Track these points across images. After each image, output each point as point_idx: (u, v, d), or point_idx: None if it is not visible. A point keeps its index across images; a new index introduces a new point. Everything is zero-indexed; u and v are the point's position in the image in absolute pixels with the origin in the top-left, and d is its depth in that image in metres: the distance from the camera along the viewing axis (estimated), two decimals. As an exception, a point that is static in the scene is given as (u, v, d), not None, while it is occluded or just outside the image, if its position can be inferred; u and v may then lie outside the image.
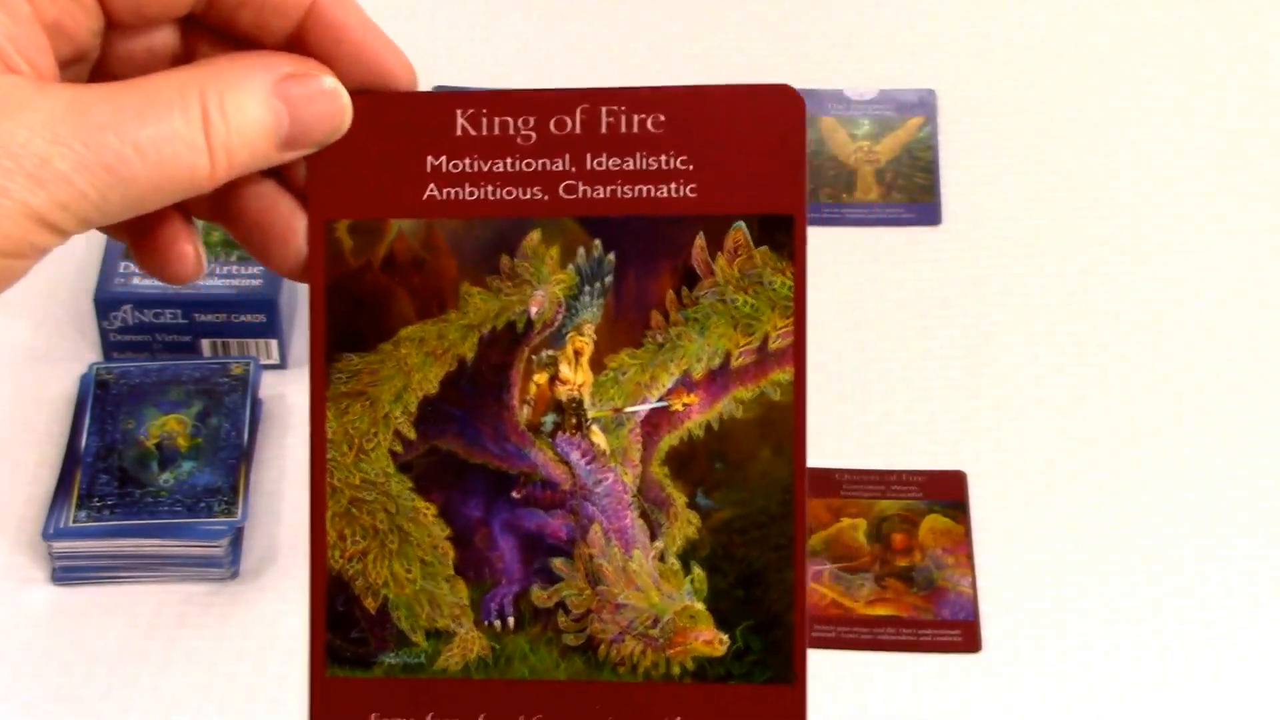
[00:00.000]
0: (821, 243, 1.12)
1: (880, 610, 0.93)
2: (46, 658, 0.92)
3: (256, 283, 1.03)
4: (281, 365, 1.05)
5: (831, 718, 0.90)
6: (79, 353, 1.05)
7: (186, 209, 0.47)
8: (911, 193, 1.14)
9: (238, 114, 0.44)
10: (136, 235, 0.47)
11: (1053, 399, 1.03)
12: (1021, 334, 1.06)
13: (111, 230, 0.47)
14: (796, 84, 1.29)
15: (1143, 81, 1.21)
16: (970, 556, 0.95)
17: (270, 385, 1.03)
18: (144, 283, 1.03)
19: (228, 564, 0.95)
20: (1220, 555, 0.95)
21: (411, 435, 0.49)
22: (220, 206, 0.48)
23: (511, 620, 0.49)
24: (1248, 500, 0.98)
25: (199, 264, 0.47)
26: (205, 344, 1.04)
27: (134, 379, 1.01)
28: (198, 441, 0.98)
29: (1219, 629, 0.92)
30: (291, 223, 0.48)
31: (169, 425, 0.99)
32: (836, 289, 1.09)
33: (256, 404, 1.01)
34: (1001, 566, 0.95)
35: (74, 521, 0.94)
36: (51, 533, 0.94)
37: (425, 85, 1.28)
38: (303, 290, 1.14)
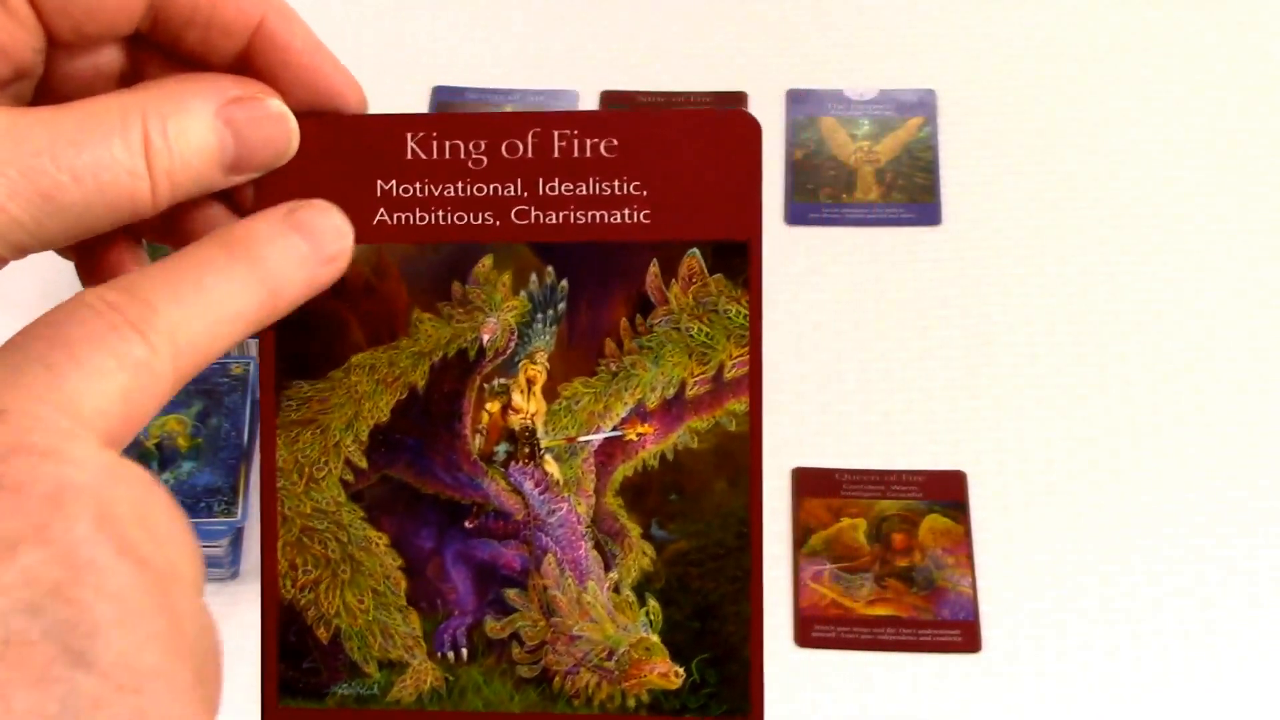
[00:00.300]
0: (821, 243, 1.12)
1: (880, 610, 0.93)
2: (46, 658, 0.92)
3: (256, 283, 1.03)
4: (281, 365, 1.05)
5: (831, 718, 0.90)
6: (79, 353, 1.05)
7: (134, 230, 0.47)
8: (911, 193, 1.14)
9: (180, 139, 0.43)
10: (82, 257, 0.47)
11: (1053, 399, 1.03)
12: (1021, 334, 1.06)
13: (59, 250, 0.46)
14: (796, 84, 1.29)
15: (1143, 81, 1.21)
16: (970, 556, 0.95)
17: (270, 385, 1.03)
18: (144, 283, 1.03)
19: (228, 564, 0.95)
20: (1220, 555, 0.95)
21: (363, 464, 0.48)
22: (167, 228, 0.47)
23: (465, 651, 0.48)
24: (1248, 500, 0.98)
25: None
26: (205, 344, 1.04)
27: (134, 379, 1.01)
28: (198, 441, 0.98)
29: (1219, 628, 0.92)
30: None
31: (169, 425, 0.99)
32: (836, 289, 1.09)
33: (256, 404, 1.01)
34: (1001, 566, 0.95)
35: (74, 521, 0.94)
36: (51, 533, 0.94)
37: (425, 85, 1.27)
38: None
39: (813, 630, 0.92)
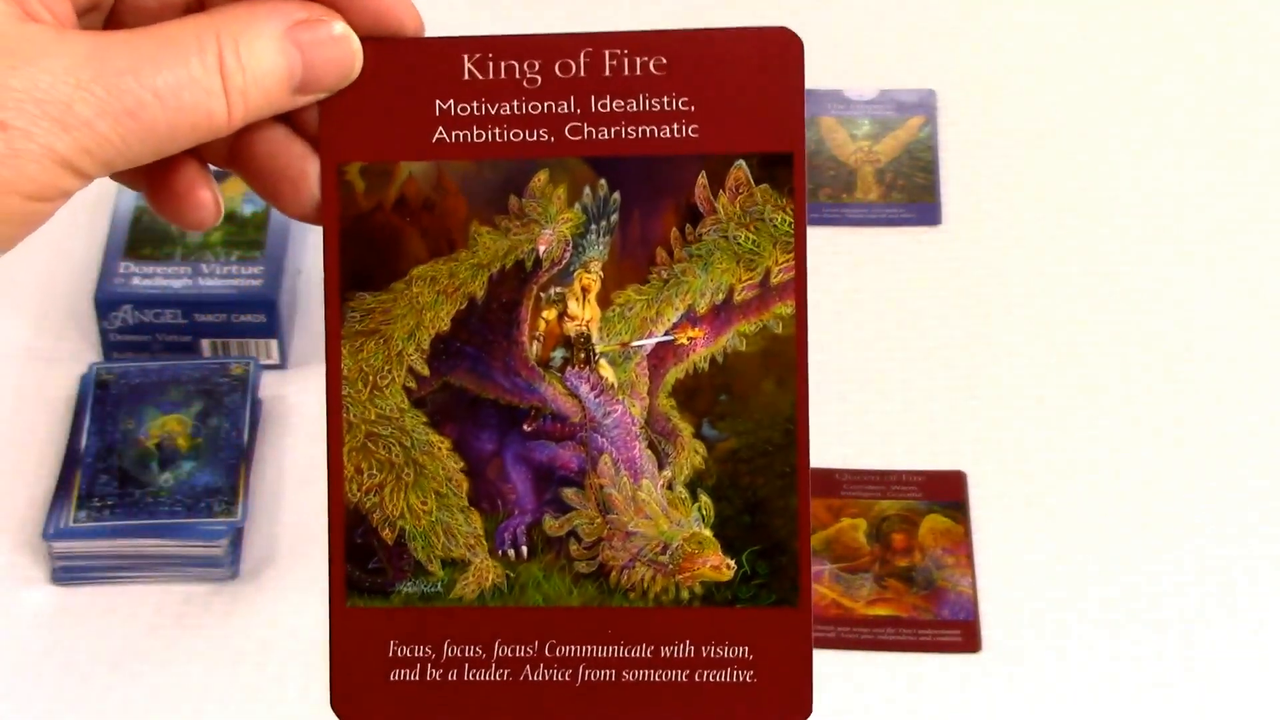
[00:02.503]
0: (821, 243, 1.12)
1: (880, 610, 0.93)
2: (46, 658, 0.92)
3: (256, 283, 1.03)
4: (281, 365, 1.05)
5: (832, 718, 0.90)
6: (79, 353, 1.05)
7: (201, 156, 0.48)
8: (911, 193, 1.14)
9: (252, 60, 0.45)
10: (154, 183, 0.48)
11: (1053, 399, 1.03)
12: (1021, 334, 1.06)
13: (129, 179, 0.48)
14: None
15: (1143, 81, 1.21)
16: (970, 556, 0.95)
17: (270, 385, 1.03)
18: (144, 283, 1.03)
19: (228, 564, 0.95)
20: (1220, 554, 0.95)
21: (425, 371, 0.50)
22: (234, 153, 0.48)
23: (525, 549, 0.50)
24: (1248, 500, 0.98)
25: (218, 209, 0.49)
26: (205, 344, 1.04)
27: (134, 379, 1.01)
28: (198, 441, 0.98)
29: (1219, 628, 0.92)
30: (304, 167, 0.49)
31: (169, 425, 0.99)
32: (836, 289, 1.09)
33: (256, 404, 1.01)
34: (1001, 566, 0.95)
35: (74, 521, 0.94)
36: (51, 533, 0.94)
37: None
38: (303, 291, 1.14)
39: (813, 630, 0.92)
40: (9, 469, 1.00)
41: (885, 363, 1.05)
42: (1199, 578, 0.94)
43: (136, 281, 1.03)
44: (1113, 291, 1.08)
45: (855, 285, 1.09)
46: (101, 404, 1.00)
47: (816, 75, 1.24)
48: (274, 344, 1.04)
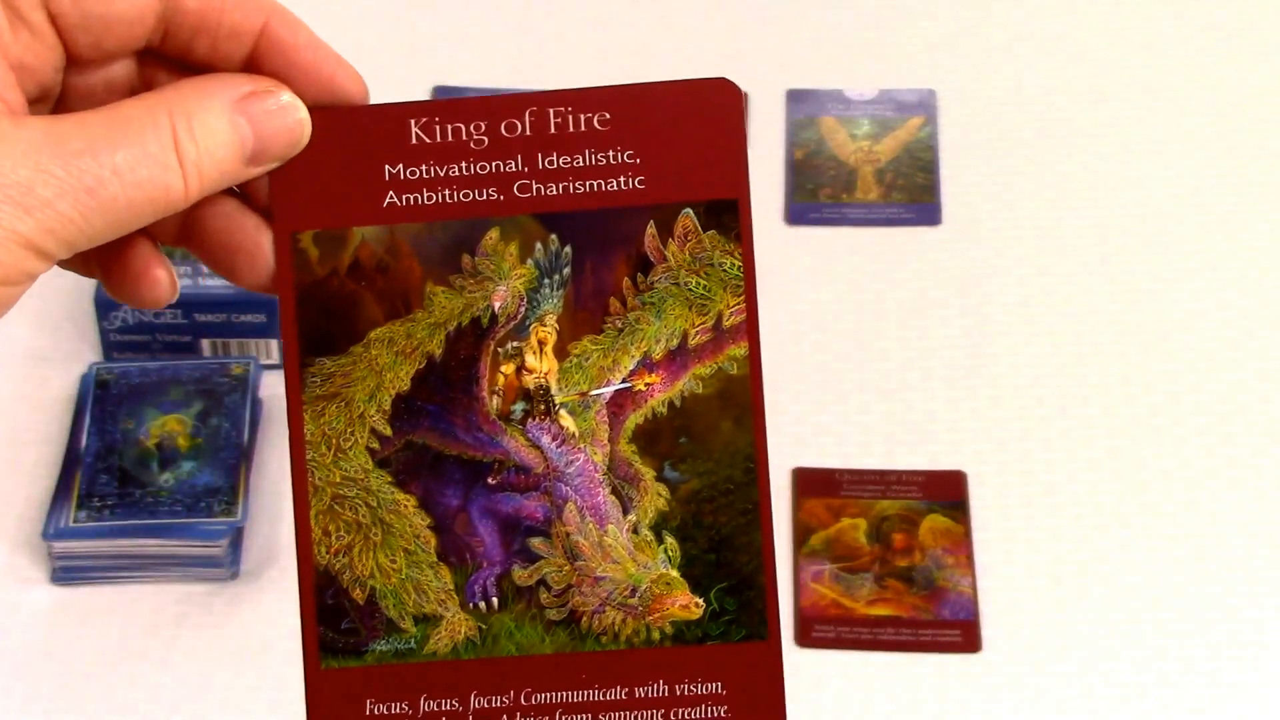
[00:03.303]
0: (821, 243, 1.12)
1: (880, 610, 0.93)
2: (46, 658, 0.92)
3: (256, 283, 1.03)
4: (281, 365, 1.05)
5: (831, 718, 0.90)
6: (79, 353, 1.05)
7: (153, 236, 0.49)
8: (911, 193, 1.14)
9: (204, 133, 0.45)
10: (108, 267, 0.49)
11: (1053, 399, 1.03)
12: (1021, 334, 1.06)
13: (83, 266, 0.49)
14: (796, 84, 1.29)
15: (1143, 81, 1.21)
16: (970, 556, 0.95)
17: (270, 385, 1.03)
18: (144, 283, 1.03)
19: (228, 564, 0.95)
20: (1220, 555, 0.95)
21: (387, 432, 0.51)
22: (187, 230, 0.49)
23: (495, 600, 0.51)
24: (1248, 500, 0.98)
25: (173, 286, 0.49)
26: (205, 344, 1.04)
27: (134, 379, 1.01)
28: (198, 441, 0.98)
29: (1219, 629, 0.92)
30: (257, 238, 0.49)
31: (169, 425, 0.99)
32: (836, 289, 1.09)
33: (256, 404, 1.01)
34: (1001, 566, 0.95)
35: (74, 521, 0.94)
36: (51, 533, 0.94)
37: (425, 85, 1.27)
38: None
39: (813, 630, 0.92)
40: (9, 469, 1.00)
41: (885, 363, 1.05)
42: (1199, 577, 0.94)
43: (136, 281, 1.03)
44: (1113, 291, 1.08)
45: (855, 285, 1.09)
46: (101, 404, 1.00)
47: (816, 75, 1.24)
48: (274, 344, 1.04)
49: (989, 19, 1.25)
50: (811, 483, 0.99)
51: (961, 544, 0.96)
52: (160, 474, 0.97)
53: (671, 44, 1.24)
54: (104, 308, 1.03)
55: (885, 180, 1.15)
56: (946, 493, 0.98)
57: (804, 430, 1.02)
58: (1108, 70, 1.22)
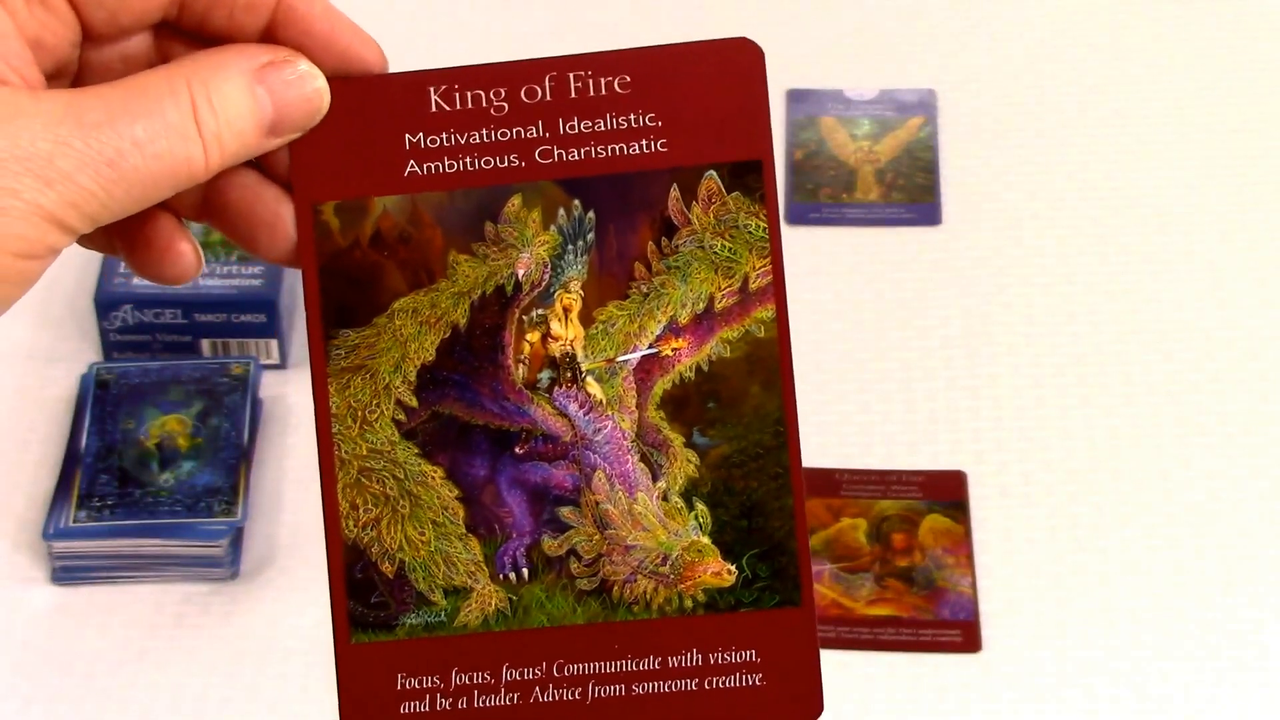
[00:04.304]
0: (821, 243, 1.12)
1: (880, 610, 0.93)
2: (46, 658, 0.92)
3: (257, 283, 1.03)
4: (281, 365, 1.05)
5: (831, 718, 0.90)
6: (79, 353, 1.05)
7: (175, 210, 0.48)
8: (911, 193, 1.14)
9: (224, 104, 0.45)
10: (131, 242, 0.48)
11: (1053, 399, 1.03)
12: (1021, 334, 1.06)
13: (104, 243, 0.48)
14: (796, 84, 1.29)
15: (1142, 81, 1.21)
16: (970, 556, 0.95)
17: (270, 385, 1.03)
18: (144, 283, 1.03)
19: (228, 564, 0.95)
20: (1220, 555, 0.95)
21: (413, 403, 0.50)
22: (208, 203, 0.49)
23: (525, 571, 0.50)
24: (1248, 500, 0.98)
25: (198, 260, 0.49)
26: (205, 344, 1.04)
27: (134, 379, 1.01)
28: (198, 441, 0.98)
29: (1219, 628, 0.92)
30: (277, 210, 0.49)
31: (169, 425, 0.99)
32: (836, 289, 1.09)
33: (256, 404, 1.01)
34: (1001, 566, 0.95)
35: (74, 521, 0.94)
36: (51, 533, 0.94)
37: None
38: (302, 289, 1.13)
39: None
40: (9, 469, 1.00)
41: (885, 362, 1.05)
42: (1199, 577, 0.94)
43: (136, 281, 1.03)
44: (1113, 291, 1.08)
45: (855, 285, 1.09)
46: (101, 404, 1.00)
47: (816, 75, 1.24)
48: (274, 344, 1.04)
49: (989, 19, 1.25)
50: (811, 483, 0.99)
51: (961, 544, 0.96)
52: (160, 474, 0.97)
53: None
54: (104, 308, 1.03)
55: (885, 180, 1.15)
56: (946, 493, 0.98)
57: (804, 430, 1.00)
58: (1108, 70, 1.22)
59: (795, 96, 1.20)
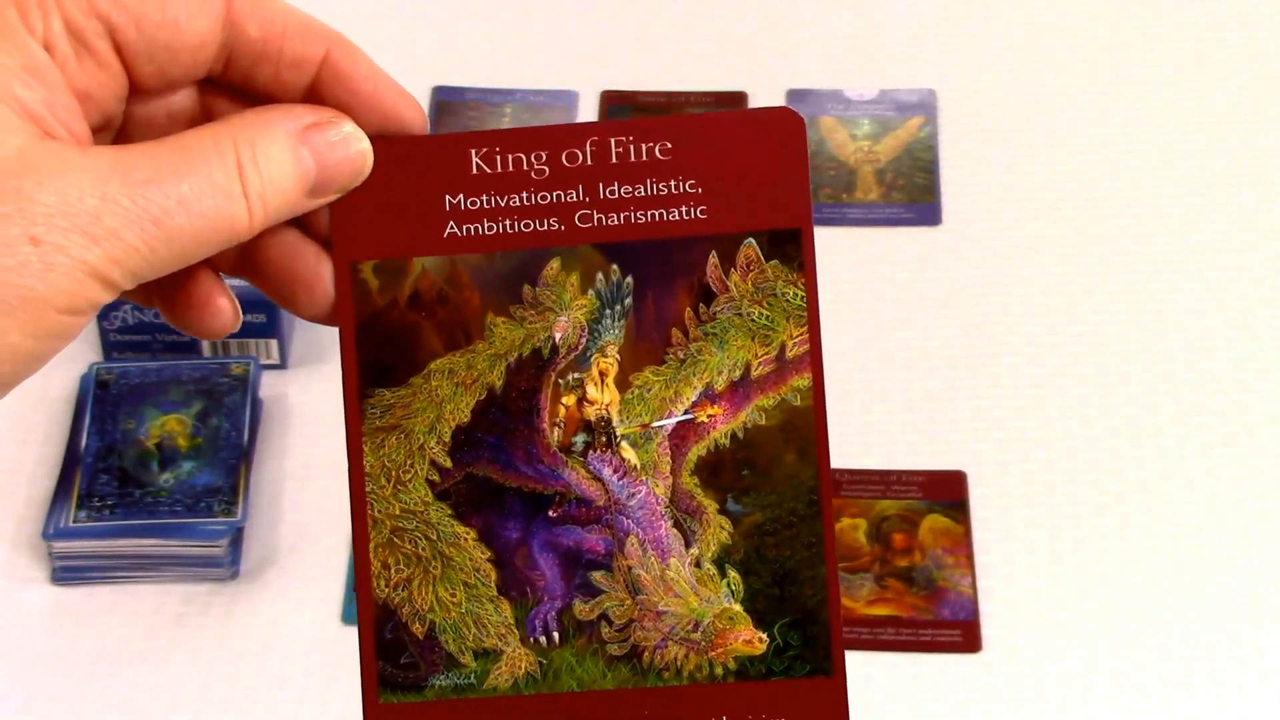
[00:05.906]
0: (821, 243, 1.11)
1: (880, 610, 0.93)
2: (46, 658, 0.92)
3: (256, 283, 1.03)
4: (281, 365, 1.05)
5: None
6: (79, 353, 1.05)
7: (215, 266, 0.49)
8: (911, 193, 1.14)
9: (269, 164, 0.45)
10: (170, 298, 0.49)
11: (1053, 399, 1.03)
12: (1022, 334, 1.06)
13: (143, 296, 0.48)
14: (796, 84, 1.29)
15: (1142, 81, 1.21)
16: (970, 556, 0.95)
17: (270, 385, 1.03)
18: (144, 283, 1.03)
19: (228, 564, 0.95)
20: (1220, 554, 0.95)
21: (447, 464, 0.50)
22: (247, 259, 0.49)
23: (556, 635, 0.50)
24: (1248, 500, 0.98)
25: (236, 316, 0.49)
26: (205, 344, 1.04)
27: (134, 379, 1.01)
28: (198, 441, 0.98)
29: (1219, 628, 0.92)
30: (317, 268, 0.49)
31: (169, 425, 0.99)
32: (836, 289, 1.09)
33: (256, 404, 1.01)
34: (1001, 566, 0.95)
35: (74, 521, 0.94)
36: (51, 533, 0.94)
37: (425, 85, 1.27)
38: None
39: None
40: (9, 469, 1.00)
41: (885, 363, 1.05)
42: (1199, 577, 0.94)
43: (136, 281, 1.03)
44: (1112, 291, 1.08)
45: (855, 285, 1.09)
46: (101, 404, 1.00)
47: (816, 75, 1.24)
48: (274, 344, 1.04)
49: (989, 19, 1.25)
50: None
51: (961, 544, 0.96)
52: (160, 474, 0.97)
53: (672, 44, 1.24)
54: (104, 307, 1.03)
55: (885, 180, 1.15)
56: (946, 493, 0.98)
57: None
58: (1108, 70, 1.22)
59: (795, 96, 1.20)
